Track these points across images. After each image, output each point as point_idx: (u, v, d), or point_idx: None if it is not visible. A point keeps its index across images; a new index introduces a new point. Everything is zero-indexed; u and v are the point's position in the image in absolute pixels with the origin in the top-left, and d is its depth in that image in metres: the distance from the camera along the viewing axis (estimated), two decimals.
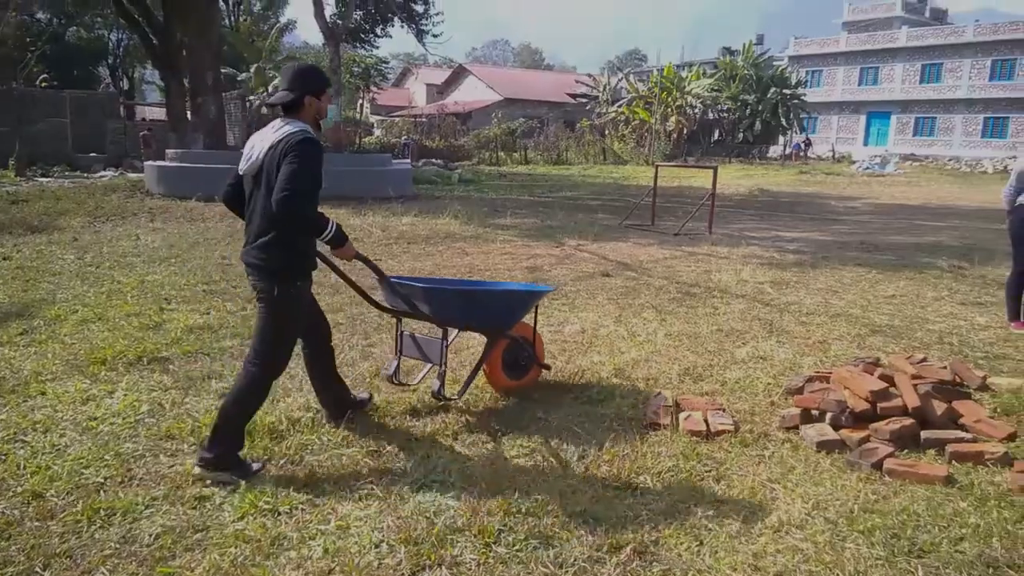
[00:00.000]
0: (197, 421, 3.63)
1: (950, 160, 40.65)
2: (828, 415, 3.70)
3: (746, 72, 43.11)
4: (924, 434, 3.55)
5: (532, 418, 3.82)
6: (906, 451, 3.45)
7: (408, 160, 23.08)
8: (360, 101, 40.69)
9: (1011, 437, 3.63)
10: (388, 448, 3.44)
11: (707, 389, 4.32)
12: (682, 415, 3.79)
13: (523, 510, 2.87)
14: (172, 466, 3.19)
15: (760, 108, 42.62)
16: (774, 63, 46.28)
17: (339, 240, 3.24)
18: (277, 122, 3.18)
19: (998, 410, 4.01)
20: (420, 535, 2.68)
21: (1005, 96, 42.95)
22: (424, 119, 40.10)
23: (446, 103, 45.57)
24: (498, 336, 4.01)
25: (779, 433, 3.69)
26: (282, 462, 3.25)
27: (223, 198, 3.44)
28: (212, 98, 17.28)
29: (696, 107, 41.26)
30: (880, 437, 3.50)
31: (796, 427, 3.71)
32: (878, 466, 3.25)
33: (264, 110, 23.16)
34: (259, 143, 3.15)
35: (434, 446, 3.48)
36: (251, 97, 26.07)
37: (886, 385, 3.84)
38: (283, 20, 31.68)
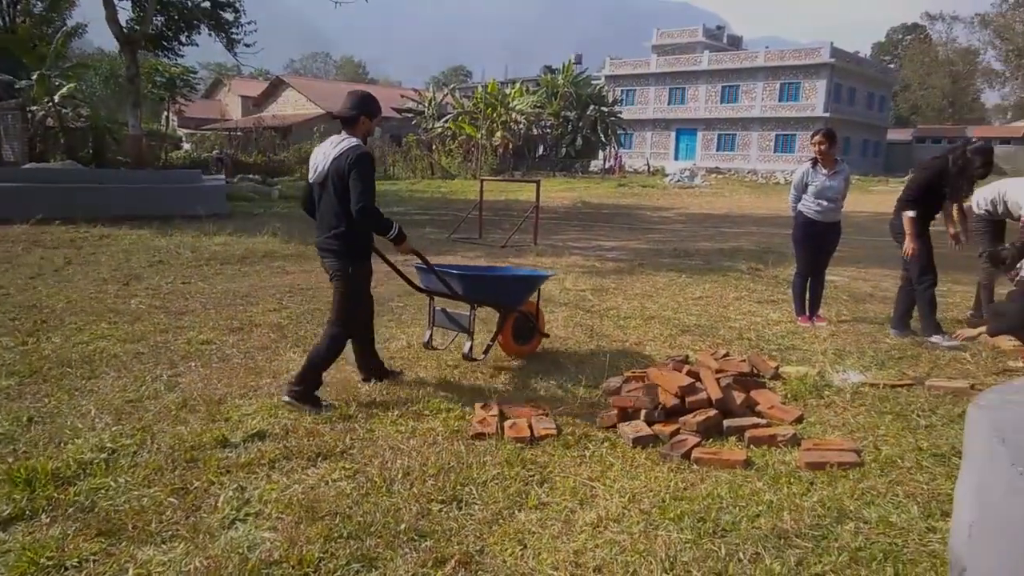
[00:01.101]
0: None
1: (749, 173, 44.83)
2: (643, 412, 3.89)
3: (567, 90, 45.08)
4: (726, 423, 3.83)
5: (356, 438, 3.70)
6: (711, 440, 3.71)
7: (223, 176, 21.80)
8: (165, 113, 37.96)
9: (799, 419, 4.01)
10: (197, 484, 3.18)
11: (531, 396, 4.41)
12: (507, 423, 3.83)
13: (345, 534, 2.75)
14: None
15: (581, 124, 44.71)
16: (592, 82, 48.80)
17: (400, 239, 4.14)
18: (335, 137, 4.11)
19: (788, 396, 4.42)
20: (232, 573, 2.49)
21: (793, 116, 48.18)
22: (240, 133, 38.23)
23: (264, 116, 43.70)
24: (511, 311, 4.92)
25: (599, 433, 3.82)
26: (70, 511, 2.90)
27: (303, 206, 4.37)
28: None
29: (520, 123, 42.54)
30: (688, 429, 3.73)
31: (614, 426, 3.87)
32: (687, 456, 3.46)
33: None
34: (322, 157, 4.07)
35: (249, 476, 3.26)
36: (33, 107, 23.23)
37: (693, 380, 4.11)
38: (71, 24, 28.52)
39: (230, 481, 3.20)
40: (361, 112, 4.12)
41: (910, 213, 5.80)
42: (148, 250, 9.83)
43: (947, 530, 2.69)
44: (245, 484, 3.18)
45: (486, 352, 4.93)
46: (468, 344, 4.76)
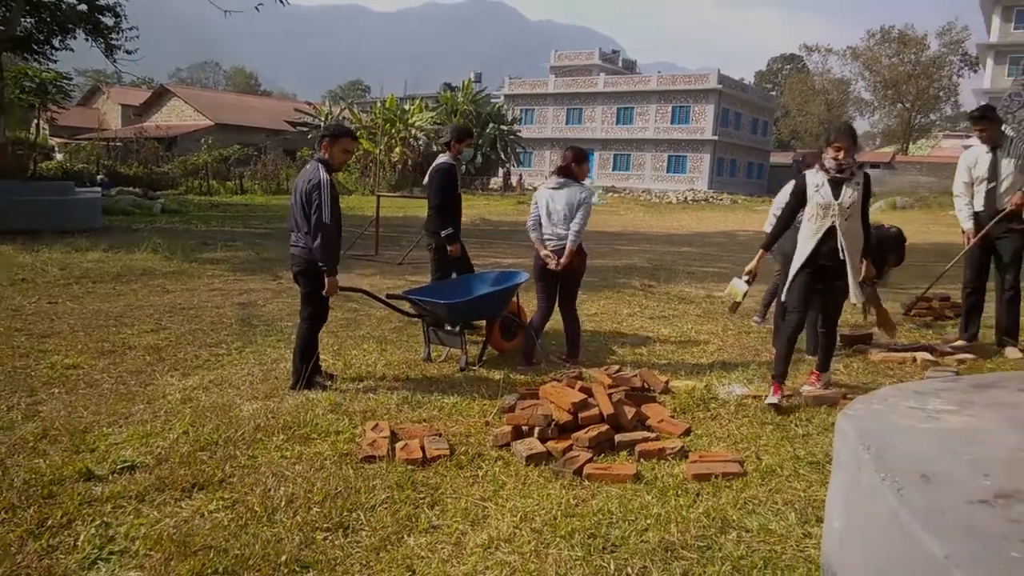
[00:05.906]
0: None
1: (643, 192, 46.22)
2: (536, 429, 3.88)
3: (466, 108, 45.20)
4: (617, 437, 3.87)
5: (237, 465, 3.50)
6: (603, 455, 3.73)
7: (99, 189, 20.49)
8: (36, 121, 35.44)
9: (687, 432, 4.10)
10: (53, 520, 2.91)
11: (425, 415, 4.32)
12: (398, 444, 3.73)
13: (220, 569, 2.58)
14: None
15: (480, 142, 44.92)
16: (492, 100, 49.19)
17: (453, 239, 6.13)
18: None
19: (677, 409, 4.51)
20: None
21: (683, 138, 50.22)
22: (119, 143, 36.17)
23: (146, 126, 41.58)
24: (496, 319, 5.60)
25: (493, 452, 3.77)
26: None
27: None
28: None
29: (420, 139, 42.31)
30: (581, 445, 3.74)
31: (508, 444, 3.83)
32: (579, 472, 3.46)
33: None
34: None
35: (115, 511, 3.02)
36: None
37: (585, 396, 4.12)
38: None
39: (93, 517, 2.96)
40: (451, 139, 6.40)
41: None
42: (10, 267, 9.08)
43: (821, 535, 2.79)
44: (110, 520, 2.95)
45: (481, 358, 5.53)
46: (463, 359, 5.33)
